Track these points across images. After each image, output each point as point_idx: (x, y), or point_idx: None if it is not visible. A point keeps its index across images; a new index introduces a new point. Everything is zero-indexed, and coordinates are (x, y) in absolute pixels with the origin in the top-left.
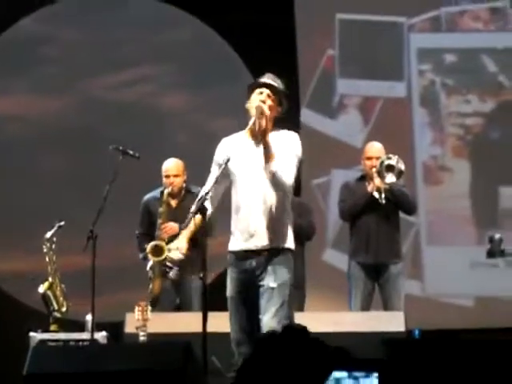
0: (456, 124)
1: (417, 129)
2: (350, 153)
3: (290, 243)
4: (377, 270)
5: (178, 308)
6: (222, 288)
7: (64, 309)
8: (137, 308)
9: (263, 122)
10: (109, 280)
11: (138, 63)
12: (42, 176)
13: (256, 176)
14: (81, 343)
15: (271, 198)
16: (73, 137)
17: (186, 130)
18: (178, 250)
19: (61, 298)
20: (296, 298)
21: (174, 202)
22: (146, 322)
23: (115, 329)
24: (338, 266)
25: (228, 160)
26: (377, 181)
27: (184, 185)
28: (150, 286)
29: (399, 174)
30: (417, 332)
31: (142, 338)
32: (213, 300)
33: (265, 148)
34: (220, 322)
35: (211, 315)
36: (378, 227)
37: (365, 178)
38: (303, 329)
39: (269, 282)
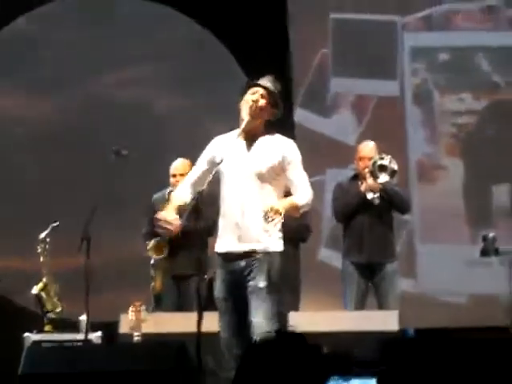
0: (449, 122)
1: (410, 127)
2: (344, 152)
3: (278, 246)
4: (371, 269)
5: (181, 307)
6: None
7: (58, 309)
8: (131, 308)
9: (255, 122)
10: (103, 280)
11: (132, 63)
12: (37, 176)
13: (245, 179)
14: (75, 344)
15: (260, 201)
16: (68, 137)
17: (180, 130)
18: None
19: (55, 299)
20: (291, 299)
21: None
22: (140, 322)
23: (110, 329)
24: (332, 266)
25: (221, 161)
26: (370, 181)
27: None
28: (152, 284)
29: (392, 173)
30: (411, 331)
31: (136, 339)
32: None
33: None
34: (215, 322)
35: (206, 315)
36: (371, 227)
37: (358, 177)
38: (299, 334)
39: (257, 282)
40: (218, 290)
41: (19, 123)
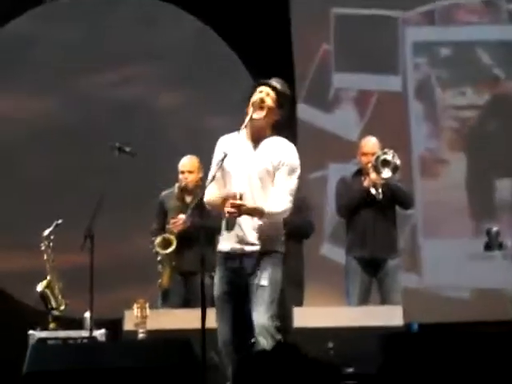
0: (451, 117)
1: (412, 122)
2: (346, 147)
3: (280, 247)
4: (374, 264)
5: (187, 303)
6: None
7: (62, 307)
8: (136, 305)
9: (261, 121)
10: (107, 277)
11: (133, 61)
12: (40, 174)
13: (248, 179)
14: (80, 341)
15: (262, 201)
16: (70, 135)
17: (183, 128)
18: None
19: (59, 296)
20: (295, 294)
21: (188, 198)
22: (144, 319)
23: (114, 326)
24: (335, 260)
25: (225, 156)
26: (373, 176)
27: (200, 182)
28: (159, 280)
29: (395, 168)
30: (415, 326)
31: (140, 335)
32: None
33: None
34: None
35: (211, 311)
36: (374, 222)
37: (361, 172)
38: (294, 345)
39: (260, 280)
40: (218, 288)
41: (20, 122)
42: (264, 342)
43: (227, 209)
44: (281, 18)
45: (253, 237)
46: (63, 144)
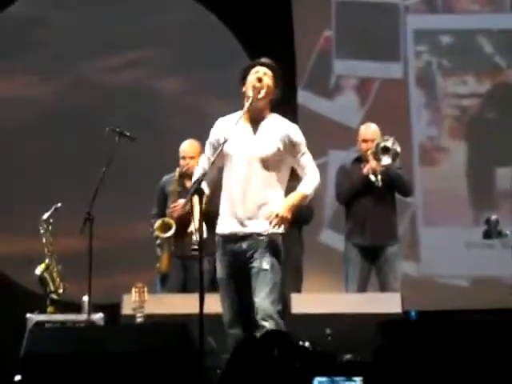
0: (452, 105)
1: (413, 110)
2: (346, 134)
3: (280, 228)
4: (373, 251)
5: (186, 287)
6: None
7: (61, 290)
8: (134, 289)
9: (261, 102)
10: (106, 261)
11: (133, 45)
12: (39, 158)
13: (249, 162)
14: (78, 325)
15: (263, 184)
16: (69, 120)
17: (182, 113)
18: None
19: (58, 280)
20: (294, 280)
21: (189, 183)
22: (143, 303)
23: (112, 310)
24: (334, 247)
25: (225, 141)
26: (373, 163)
27: None
28: (158, 264)
29: (395, 155)
30: (413, 313)
31: (138, 320)
32: None
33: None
34: (217, 303)
35: (208, 296)
36: (374, 209)
37: (361, 159)
38: (285, 334)
39: (261, 264)
40: (219, 271)
41: (20, 105)
42: (267, 326)
43: (276, 225)
44: (282, 4)
45: (253, 218)
46: (63, 128)
